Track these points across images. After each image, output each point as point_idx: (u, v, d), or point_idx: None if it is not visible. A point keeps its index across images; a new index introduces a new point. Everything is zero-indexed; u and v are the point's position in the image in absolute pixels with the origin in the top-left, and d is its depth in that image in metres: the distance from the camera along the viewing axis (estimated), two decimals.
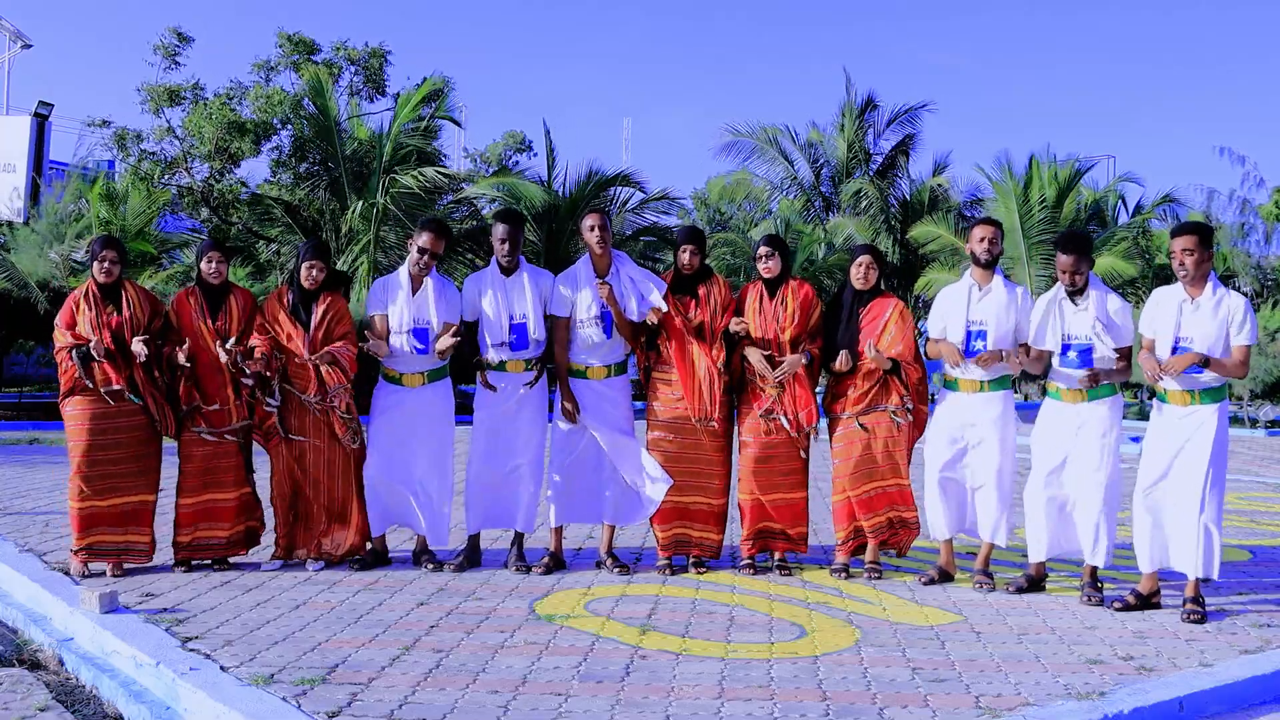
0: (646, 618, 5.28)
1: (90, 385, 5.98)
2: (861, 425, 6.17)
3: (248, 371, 6.15)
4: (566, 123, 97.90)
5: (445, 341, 6.24)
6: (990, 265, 6.10)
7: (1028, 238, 22.31)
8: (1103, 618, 5.40)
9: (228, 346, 6.13)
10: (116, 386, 5.97)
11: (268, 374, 6.18)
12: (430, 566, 6.35)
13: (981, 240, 6.08)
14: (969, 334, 6.02)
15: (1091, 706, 4.02)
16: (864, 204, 26.94)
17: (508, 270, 6.35)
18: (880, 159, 28.04)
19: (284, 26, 26.78)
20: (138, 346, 5.98)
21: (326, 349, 6.21)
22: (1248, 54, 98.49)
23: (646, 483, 6.29)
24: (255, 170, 22.65)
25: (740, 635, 4.99)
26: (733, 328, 6.19)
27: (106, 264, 6.09)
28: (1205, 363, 5.30)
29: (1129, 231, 25.39)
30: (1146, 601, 5.56)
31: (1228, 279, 26.92)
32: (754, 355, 6.18)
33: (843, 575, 6.21)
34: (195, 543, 6.28)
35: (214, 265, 6.28)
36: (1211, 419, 5.38)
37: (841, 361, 6.14)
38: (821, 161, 28.22)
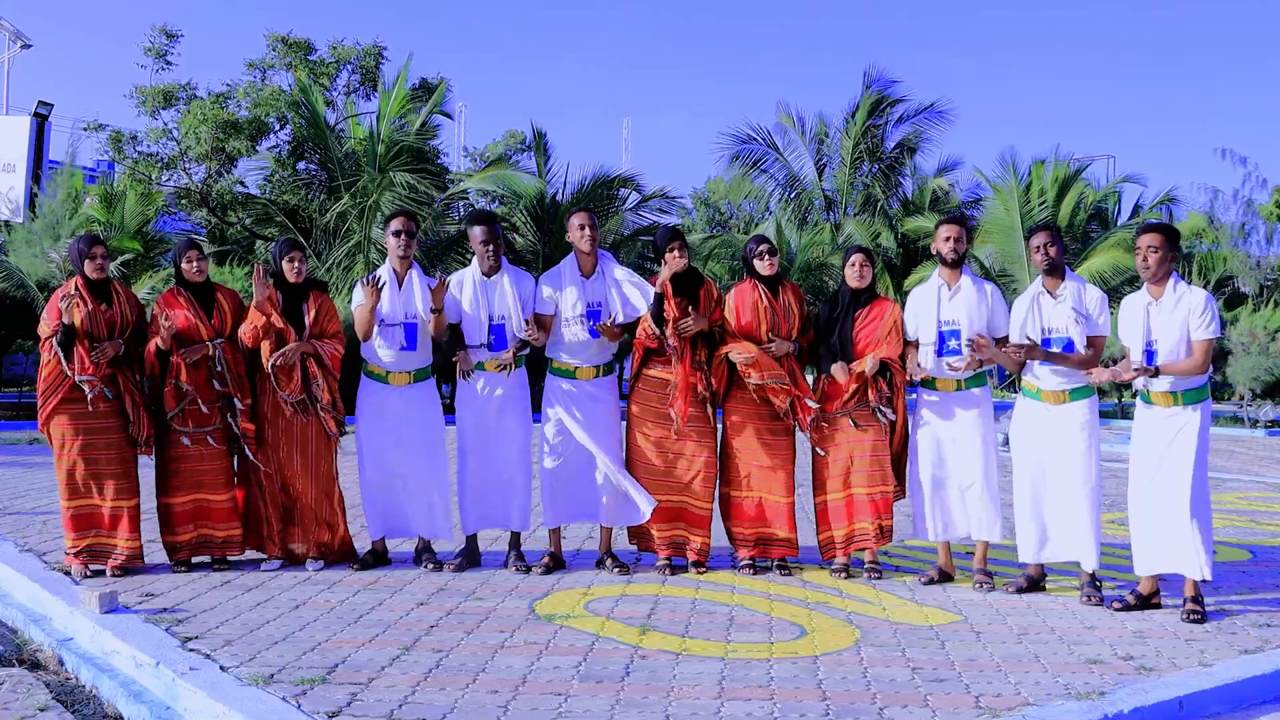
0: (646, 618, 5.28)
1: (74, 377, 5.95)
2: (855, 422, 6.17)
3: (219, 368, 6.19)
4: (566, 123, 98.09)
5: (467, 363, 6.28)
6: (957, 264, 6.13)
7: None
8: (1103, 618, 5.40)
9: (217, 342, 6.19)
10: (90, 375, 5.94)
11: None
12: (430, 566, 6.35)
13: (947, 240, 6.10)
14: (941, 334, 6.05)
15: (1091, 706, 4.02)
16: (867, 202, 26.91)
17: (489, 271, 6.35)
18: (886, 157, 27.90)
19: (282, 26, 26.84)
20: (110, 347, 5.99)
21: (311, 340, 6.24)
22: (1248, 54, 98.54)
23: (632, 491, 6.29)
24: (254, 169, 22.50)
25: (740, 635, 4.99)
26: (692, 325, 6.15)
27: (98, 260, 6.12)
28: (1155, 373, 5.33)
29: (1128, 230, 25.39)
30: (1146, 601, 5.56)
31: (1227, 279, 26.91)
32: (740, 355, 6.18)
33: (843, 575, 6.21)
34: (198, 540, 6.28)
35: (194, 264, 6.31)
36: (1194, 420, 5.39)
37: (839, 371, 6.14)
38: (825, 159, 28.12)
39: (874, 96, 26.86)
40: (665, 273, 6.19)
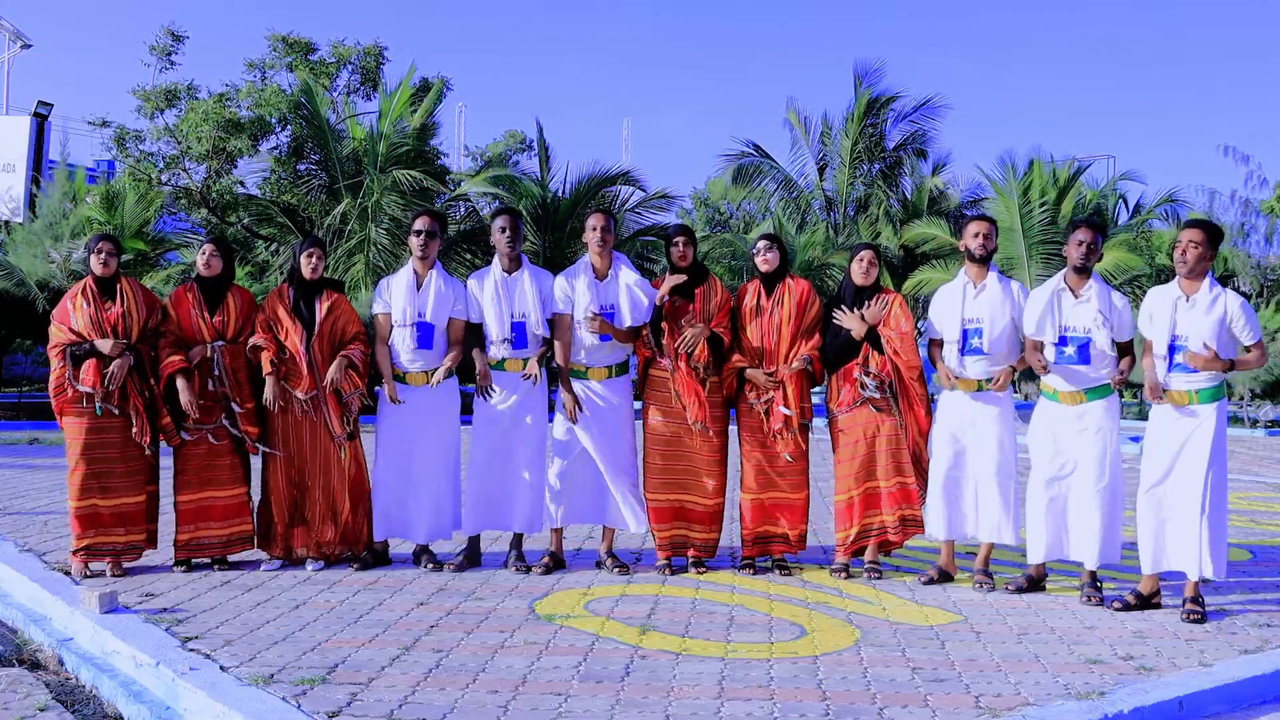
0: (646, 618, 5.28)
1: (75, 387, 5.97)
2: (876, 407, 6.15)
3: (218, 372, 6.18)
4: (566, 123, 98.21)
5: (438, 375, 6.28)
6: (985, 261, 6.10)
7: (1028, 237, 22.27)
8: (1103, 618, 5.40)
9: (216, 345, 6.18)
10: (93, 390, 5.96)
11: (276, 374, 6.19)
12: (430, 566, 6.35)
13: (976, 235, 6.09)
14: (965, 332, 6.01)
15: (1091, 706, 4.02)
16: (867, 201, 26.87)
17: (510, 268, 6.37)
18: (886, 157, 27.83)
19: (282, 26, 26.78)
20: (111, 348, 5.97)
21: (343, 353, 6.24)
22: (1248, 54, 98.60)
23: (622, 503, 6.31)
24: (254, 168, 22.49)
25: (740, 635, 4.99)
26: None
27: (104, 255, 6.13)
28: (1230, 366, 5.34)
29: (1129, 231, 25.38)
30: (1146, 601, 5.56)
31: (1227, 279, 26.89)
32: (757, 376, 6.21)
33: (843, 575, 6.21)
34: (195, 541, 6.28)
35: (206, 258, 6.32)
36: (1210, 418, 5.39)
37: (851, 322, 6.16)
38: (825, 159, 28.07)
39: (867, 95, 26.77)
40: (664, 288, 6.21)
